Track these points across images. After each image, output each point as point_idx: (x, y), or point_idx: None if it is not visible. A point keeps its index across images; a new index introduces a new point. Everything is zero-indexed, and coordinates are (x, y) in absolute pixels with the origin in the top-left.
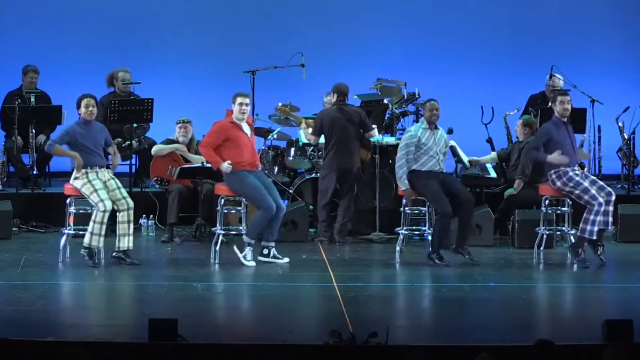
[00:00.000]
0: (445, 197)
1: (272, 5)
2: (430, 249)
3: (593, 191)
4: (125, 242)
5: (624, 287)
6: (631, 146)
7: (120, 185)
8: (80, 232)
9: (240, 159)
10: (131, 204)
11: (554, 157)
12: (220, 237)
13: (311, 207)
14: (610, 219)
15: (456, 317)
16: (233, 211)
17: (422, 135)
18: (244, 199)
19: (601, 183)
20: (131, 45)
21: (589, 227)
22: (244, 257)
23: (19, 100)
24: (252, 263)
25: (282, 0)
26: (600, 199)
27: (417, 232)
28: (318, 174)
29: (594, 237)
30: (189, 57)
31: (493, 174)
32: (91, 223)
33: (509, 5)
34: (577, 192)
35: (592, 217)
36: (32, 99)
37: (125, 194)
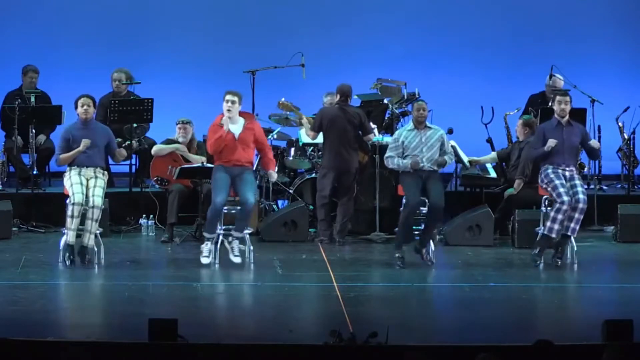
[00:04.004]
0: (417, 190)
1: (272, 5)
2: (395, 243)
3: (560, 190)
4: (85, 239)
5: (624, 287)
6: (631, 146)
7: (100, 185)
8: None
9: (223, 157)
10: (96, 202)
11: (547, 144)
12: (221, 237)
13: (311, 207)
14: (574, 226)
15: (456, 317)
16: (233, 211)
17: (406, 137)
18: None
19: (578, 189)
20: (131, 45)
21: (548, 224)
22: (201, 249)
23: (19, 100)
24: (205, 260)
25: (282, 0)
26: (565, 198)
27: (417, 232)
28: (318, 173)
29: (553, 235)
30: (189, 57)
31: (493, 174)
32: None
33: (509, 5)
34: (549, 189)
35: (552, 214)
36: (32, 99)
37: (97, 192)
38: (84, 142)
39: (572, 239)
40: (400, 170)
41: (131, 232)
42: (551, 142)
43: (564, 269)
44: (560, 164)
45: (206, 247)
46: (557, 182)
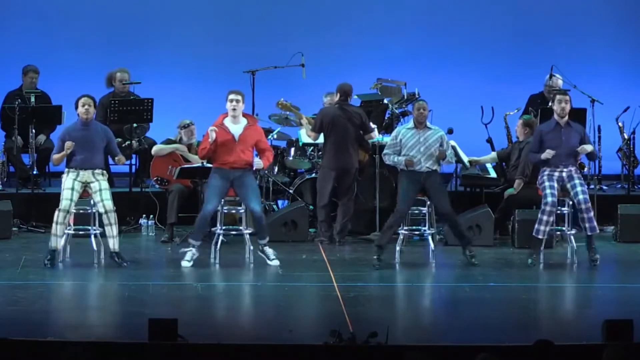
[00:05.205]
0: (411, 197)
1: (272, 5)
2: (375, 244)
3: (547, 191)
4: (111, 244)
5: (624, 287)
6: (631, 146)
7: (104, 187)
8: (81, 232)
9: (221, 159)
10: (108, 207)
11: (544, 154)
12: (220, 237)
13: (311, 207)
14: (589, 225)
15: (456, 317)
16: (233, 211)
17: (404, 135)
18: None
19: (577, 189)
20: (131, 45)
21: (535, 226)
22: (184, 252)
23: (19, 100)
24: (186, 264)
25: (282, 0)
26: (549, 199)
27: (417, 232)
28: (318, 174)
29: (540, 237)
30: (189, 57)
31: (493, 174)
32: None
33: (509, 5)
34: (540, 189)
35: (538, 215)
36: (32, 99)
37: (105, 196)
38: (67, 145)
39: (572, 238)
40: (399, 169)
41: (131, 232)
42: (548, 154)
43: (564, 269)
44: (558, 166)
45: (190, 252)
46: (546, 183)
